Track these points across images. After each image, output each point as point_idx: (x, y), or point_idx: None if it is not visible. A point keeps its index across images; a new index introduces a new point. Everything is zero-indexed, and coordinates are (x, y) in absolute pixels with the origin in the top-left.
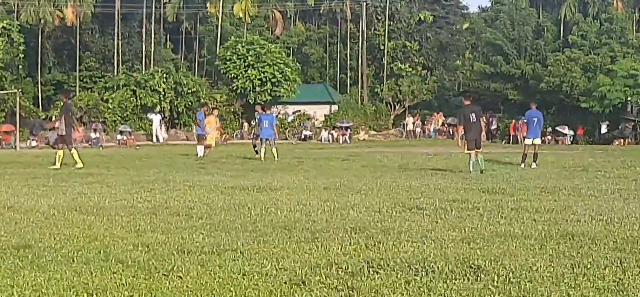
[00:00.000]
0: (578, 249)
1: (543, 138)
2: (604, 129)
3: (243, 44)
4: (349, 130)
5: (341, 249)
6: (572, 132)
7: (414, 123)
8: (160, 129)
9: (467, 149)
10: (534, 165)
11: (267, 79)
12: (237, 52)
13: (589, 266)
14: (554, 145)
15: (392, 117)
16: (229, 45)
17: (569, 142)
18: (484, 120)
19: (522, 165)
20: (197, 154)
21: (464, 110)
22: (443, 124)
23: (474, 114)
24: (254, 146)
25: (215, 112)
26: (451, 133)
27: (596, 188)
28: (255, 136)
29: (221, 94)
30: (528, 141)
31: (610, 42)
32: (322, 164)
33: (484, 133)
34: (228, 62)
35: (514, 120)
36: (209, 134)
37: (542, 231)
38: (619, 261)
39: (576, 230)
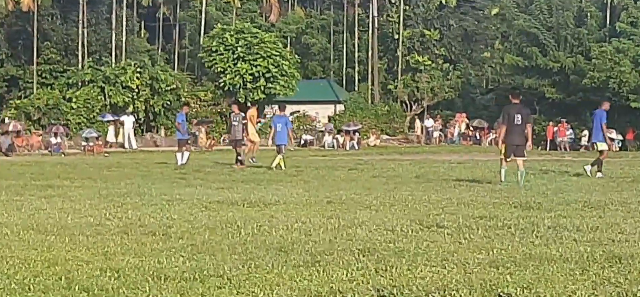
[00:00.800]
0: (626, 275)
1: (587, 144)
2: None
3: (231, 33)
4: (357, 134)
5: (347, 274)
6: (620, 137)
7: (434, 126)
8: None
9: (504, 155)
10: (598, 174)
11: (260, 73)
12: (224, 42)
13: (639, 295)
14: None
15: (409, 118)
16: (214, 34)
17: (617, 148)
18: (531, 126)
19: (599, 174)
20: (177, 163)
21: (509, 108)
22: (468, 127)
23: (519, 116)
24: (238, 155)
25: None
26: (478, 137)
27: None
28: (233, 141)
29: (205, 91)
30: (603, 146)
31: None
32: (325, 174)
33: (529, 142)
34: (214, 54)
35: (551, 123)
36: (251, 132)
37: (584, 253)
38: None
39: (624, 252)
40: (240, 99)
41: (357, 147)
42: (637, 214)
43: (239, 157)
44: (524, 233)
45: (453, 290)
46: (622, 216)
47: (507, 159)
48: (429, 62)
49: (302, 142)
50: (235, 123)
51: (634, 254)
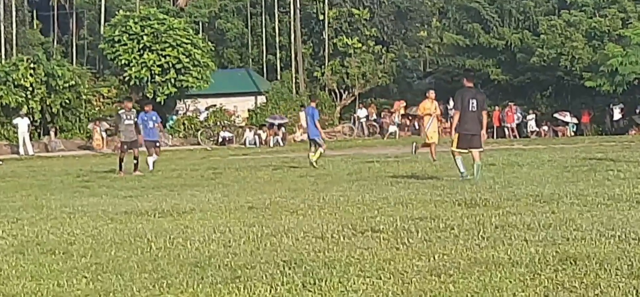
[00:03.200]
0: (582, 278)
1: (538, 128)
2: (617, 115)
3: (135, 20)
4: (281, 128)
5: (271, 290)
6: (575, 120)
7: (367, 116)
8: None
9: (457, 147)
10: None
11: (170, 65)
12: (127, 31)
13: None
14: (552, 137)
15: (339, 108)
16: (116, 21)
17: (572, 133)
18: (487, 114)
19: None
20: (149, 168)
21: (463, 92)
22: (405, 116)
23: (475, 102)
24: (121, 160)
25: (432, 93)
26: (417, 127)
27: (607, 194)
28: (125, 143)
29: (109, 86)
30: None
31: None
32: (247, 176)
33: (484, 131)
34: (116, 45)
35: (498, 107)
36: (429, 129)
37: (535, 254)
38: (635, 292)
39: (580, 252)
40: (148, 94)
41: (282, 144)
42: (595, 208)
43: (135, 160)
44: (468, 235)
45: None
46: (577, 211)
47: (461, 151)
48: (359, 45)
49: (220, 140)
50: (128, 122)
51: (591, 254)
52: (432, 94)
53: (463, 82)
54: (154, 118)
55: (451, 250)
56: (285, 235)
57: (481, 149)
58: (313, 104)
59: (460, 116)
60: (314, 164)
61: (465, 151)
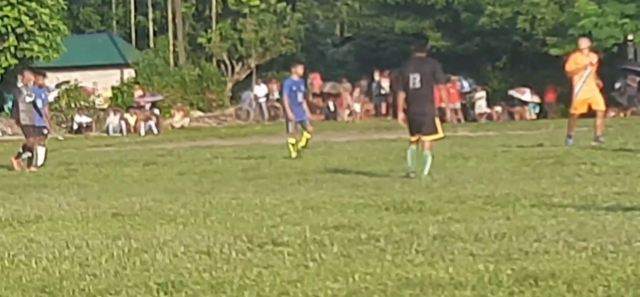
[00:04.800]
0: None
1: (490, 110)
2: None
3: None
4: (155, 111)
5: None
6: (537, 99)
7: (268, 95)
8: None
9: (411, 134)
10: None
11: (9, 28)
12: None
13: None
14: (508, 121)
15: (231, 85)
16: None
17: (533, 116)
18: (444, 88)
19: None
20: (33, 163)
21: (404, 67)
22: (318, 94)
23: (417, 76)
24: (24, 148)
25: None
26: (332, 108)
27: (577, 194)
28: (26, 127)
29: None
30: None
31: None
32: (110, 174)
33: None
34: None
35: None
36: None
37: (484, 273)
38: None
39: (542, 269)
40: None
41: (156, 131)
42: (562, 213)
43: (29, 153)
44: (398, 248)
45: None
46: (539, 216)
47: (412, 138)
48: (257, 3)
49: (75, 126)
50: (29, 99)
51: (556, 272)
52: (584, 42)
53: (412, 51)
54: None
55: (376, 268)
56: (159, 250)
57: (434, 136)
58: (295, 76)
59: (406, 96)
60: (299, 152)
61: (415, 136)
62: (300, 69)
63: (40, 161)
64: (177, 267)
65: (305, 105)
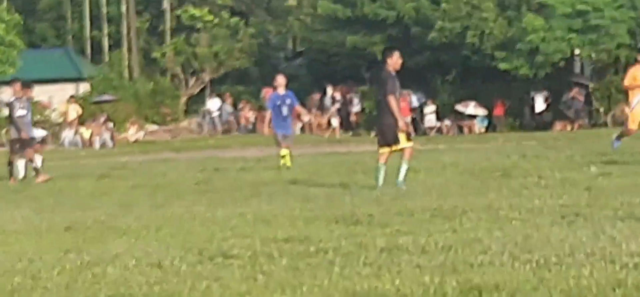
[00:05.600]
0: None
1: (439, 123)
2: (539, 105)
3: None
4: (109, 124)
5: None
6: (485, 112)
7: (220, 107)
8: None
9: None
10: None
11: None
12: None
13: None
14: (457, 134)
15: (185, 99)
16: None
17: (482, 129)
18: (409, 100)
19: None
20: (15, 175)
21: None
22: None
23: (376, 86)
24: (9, 163)
25: None
26: None
27: (524, 206)
28: (18, 141)
29: None
30: None
31: None
32: (64, 187)
33: (402, 122)
34: None
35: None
36: (634, 109)
37: (430, 285)
38: None
39: (487, 281)
40: None
41: (111, 144)
42: (507, 225)
43: (34, 165)
44: (346, 260)
45: None
46: (485, 228)
47: (381, 151)
48: (210, 17)
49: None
50: (23, 112)
51: (500, 283)
52: None
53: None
54: None
55: (324, 280)
56: (111, 263)
57: (398, 146)
58: (280, 89)
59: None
60: (287, 164)
61: (387, 149)
62: (280, 80)
63: (21, 174)
64: (127, 280)
65: (290, 121)
